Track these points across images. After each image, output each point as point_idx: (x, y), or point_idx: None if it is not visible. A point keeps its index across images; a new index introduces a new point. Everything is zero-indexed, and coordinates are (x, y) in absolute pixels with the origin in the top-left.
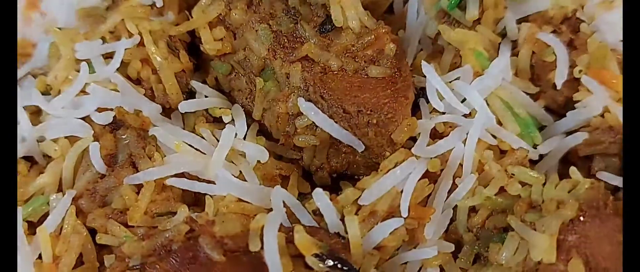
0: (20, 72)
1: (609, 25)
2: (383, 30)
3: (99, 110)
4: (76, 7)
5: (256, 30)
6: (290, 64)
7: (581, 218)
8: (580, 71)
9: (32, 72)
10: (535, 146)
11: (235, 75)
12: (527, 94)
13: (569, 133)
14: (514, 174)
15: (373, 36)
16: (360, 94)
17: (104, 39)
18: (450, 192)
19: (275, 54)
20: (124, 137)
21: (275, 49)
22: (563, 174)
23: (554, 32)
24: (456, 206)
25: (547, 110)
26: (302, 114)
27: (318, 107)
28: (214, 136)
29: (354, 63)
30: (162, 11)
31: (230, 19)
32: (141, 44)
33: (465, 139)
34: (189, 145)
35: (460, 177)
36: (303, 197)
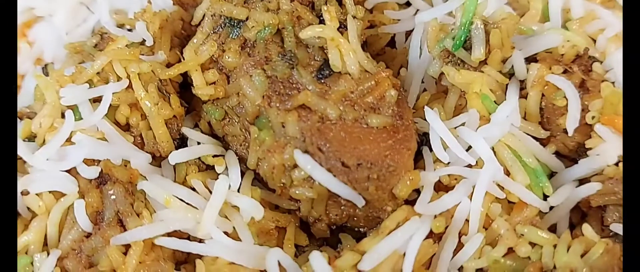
0: None
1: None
2: (384, 74)
3: (86, 161)
4: (64, 43)
5: (250, 75)
6: (286, 113)
7: None
8: (593, 117)
9: (19, 113)
10: (545, 197)
11: (228, 120)
12: (537, 138)
13: (580, 180)
14: (523, 234)
15: (373, 81)
16: (360, 146)
17: (91, 82)
18: (455, 251)
19: (271, 102)
20: (111, 192)
21: (271, 96)
22: (574, 223)
23: (564, 72)
24: (462, 266)
25: (558, 155)
26: (299, 166)
27: (315, 160)
28: (206, 187)
29: (353, 112)
30: (153, 49)
31: (223, 61)
32: (130, 86)
33: (472, 193)
34: (180, 199)
35: (466, 235)
36: (301, 251)
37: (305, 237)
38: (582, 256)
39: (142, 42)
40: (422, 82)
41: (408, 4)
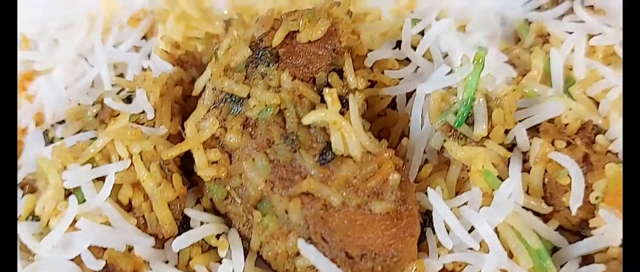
0: None
1: None
2: (386, 155)
3: (90, 248)
4: (64, 98)
5: (253, 159)
6: (289, 200)
7: None
8: (596, 198)
9: (21, 182)
10: None
11: (231, 200)
12: (540, 213)
13: (583, 257)
14: None
15: (376, 164)
16: (363, 235)
17: (93, 160)
18: None
19: (274, 187)
20: None
21: (273, 181)
22: None
23: (568, 144)
24: None
25: (561, 229)
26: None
27: (319, 250)
28: (210, 271)
29: (356, 197)
30: (154, 120)
31: (225, 141)
32: (132, 165)
33: None
34: None
35: None
36: None
37: None
38: None
39: (142, 114)
40: (424, 152)
41: (408, 60)
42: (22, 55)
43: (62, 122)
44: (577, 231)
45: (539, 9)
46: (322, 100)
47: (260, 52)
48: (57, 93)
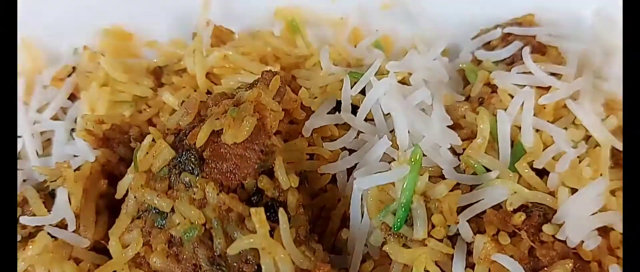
0: None
1: (573, 222)
2: (320, 271)
3: None
4: None
5: None
6: None
7: None
8: None
9: None
10: None
11: None
12: None
13: None
14: None
15: None
16: None
17: None
18: None
19: None
20: None
21: None
22: None
23: (513, 235)
24: None
25: None
26: None
27: None
28: None
29: None
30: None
31: (150, 260)
32: None
33: None
34: None
35: None
36: None
37: None
38: None
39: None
40: (366, 245)
41: (347, 127)
42: None
43: None
44: None
45: (488, 44)
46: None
47: (183, 155)
48: None
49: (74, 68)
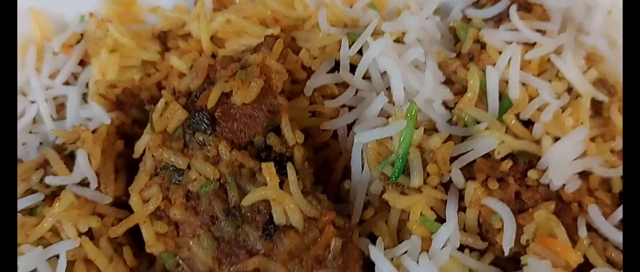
0: None
1: (555, 167)
2: (327, 218)
3: None
4: None
5: (198, 236)
6: None
7: None
8: (527, 240)
9: None
10: None
11: (182, 269)
12: (476, 249)
13: None
14: None
15: (317, 231)
16: None
17: (43, 240)
18: None
19: (221, 264)
20: None
21: (220, 258)
22: None
23: (501, 180)
24: None
25: (498, 259)
26: None
27: None
28: None
29: (300, 268)
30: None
31: (170, 214)
32: None
33: None
34: None
35: None
36: None
37: None
38: None
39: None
40: (367, 194)
41: (346, 85)
42: None
43: None
44: (512, 258)
45: (477, 2)
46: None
47: (196, 116)
48: None
49: (81, 35)
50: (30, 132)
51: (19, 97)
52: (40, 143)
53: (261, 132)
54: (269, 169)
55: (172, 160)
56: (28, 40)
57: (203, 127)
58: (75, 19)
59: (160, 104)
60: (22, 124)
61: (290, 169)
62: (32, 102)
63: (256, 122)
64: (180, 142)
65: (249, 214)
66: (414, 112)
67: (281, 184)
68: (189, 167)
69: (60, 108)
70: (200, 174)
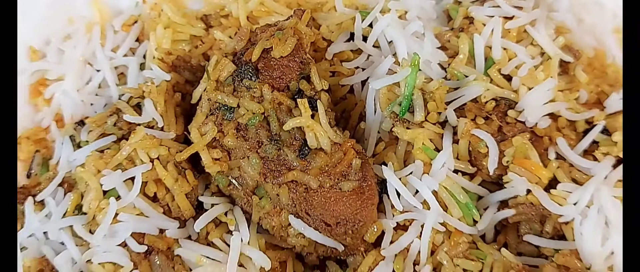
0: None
1: (530, 108)
2: (349, 144)
3: (132, 235)
4: (79, 108)
5: (247, 157)
6: (279, 187)
7: None
8: (507, 162)
9: (62, 180)
10: (475, 221)
11: (233, 187)
12: (467, 173)
13: (502, 201)
14: (458, 264)
15: (342, 153)
16: (337, 208)
17: (121, 165)
18: None
19: (266, 178)
20: (156, 260)
21: (265, 173)
22: (498, 230)
23: (486, 119)
24: None
25: (485, 182)
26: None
27: (305, 222)
28: (224, 241)
29: (329, 180)
30: (164, 128)
31: (224, 142)
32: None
33: (421, 233)
34: (207, 256)
35: (419, 264)
36: None
37: (300, 265)
38: None
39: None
40: (378, 132)
41: (360, 50)
42: (34, 65)
43: (81, 122)
44: (496, 182)
45: None
46: (297, 103)
47: (243, 67)
48: (71, 97)
49: (138, 17)
50: (97, 95)
51: (86, 67)
52: (105, 105)
53: (295, 78)
54: (303, 103)
55: (225, 100)
56: (92, 22)
57: (249, 75)
58: (130, 5)
59: (213, 59)
60: (89, 88)
61: (320, 104)
62: (98, 70)
63: (291, 70)
64: (231, 87)
65: (287, 139)
66: (416, 61)
67: (312, 117)
68: (238, 106)
69: (121, 77)
70: (247, 110)
